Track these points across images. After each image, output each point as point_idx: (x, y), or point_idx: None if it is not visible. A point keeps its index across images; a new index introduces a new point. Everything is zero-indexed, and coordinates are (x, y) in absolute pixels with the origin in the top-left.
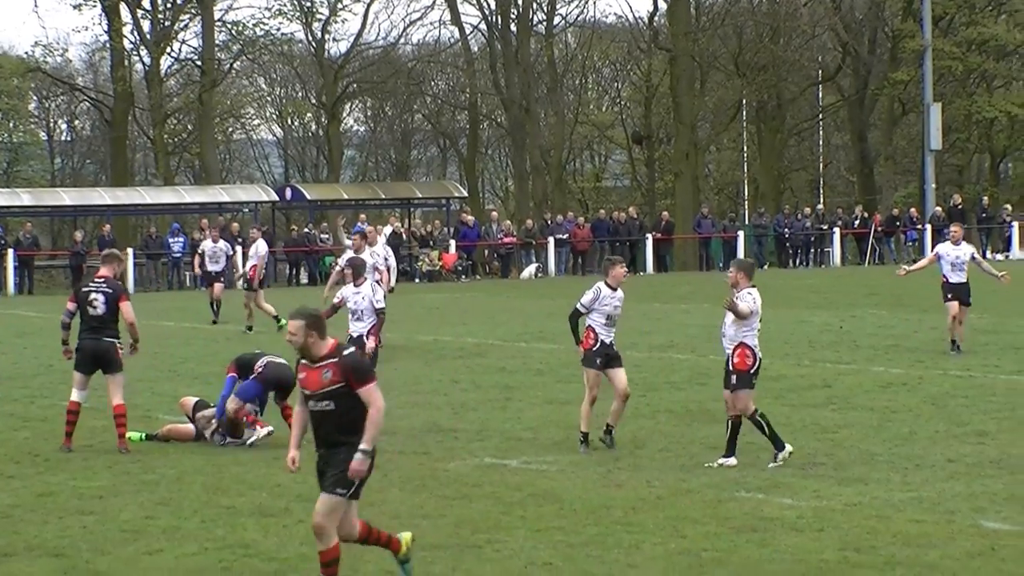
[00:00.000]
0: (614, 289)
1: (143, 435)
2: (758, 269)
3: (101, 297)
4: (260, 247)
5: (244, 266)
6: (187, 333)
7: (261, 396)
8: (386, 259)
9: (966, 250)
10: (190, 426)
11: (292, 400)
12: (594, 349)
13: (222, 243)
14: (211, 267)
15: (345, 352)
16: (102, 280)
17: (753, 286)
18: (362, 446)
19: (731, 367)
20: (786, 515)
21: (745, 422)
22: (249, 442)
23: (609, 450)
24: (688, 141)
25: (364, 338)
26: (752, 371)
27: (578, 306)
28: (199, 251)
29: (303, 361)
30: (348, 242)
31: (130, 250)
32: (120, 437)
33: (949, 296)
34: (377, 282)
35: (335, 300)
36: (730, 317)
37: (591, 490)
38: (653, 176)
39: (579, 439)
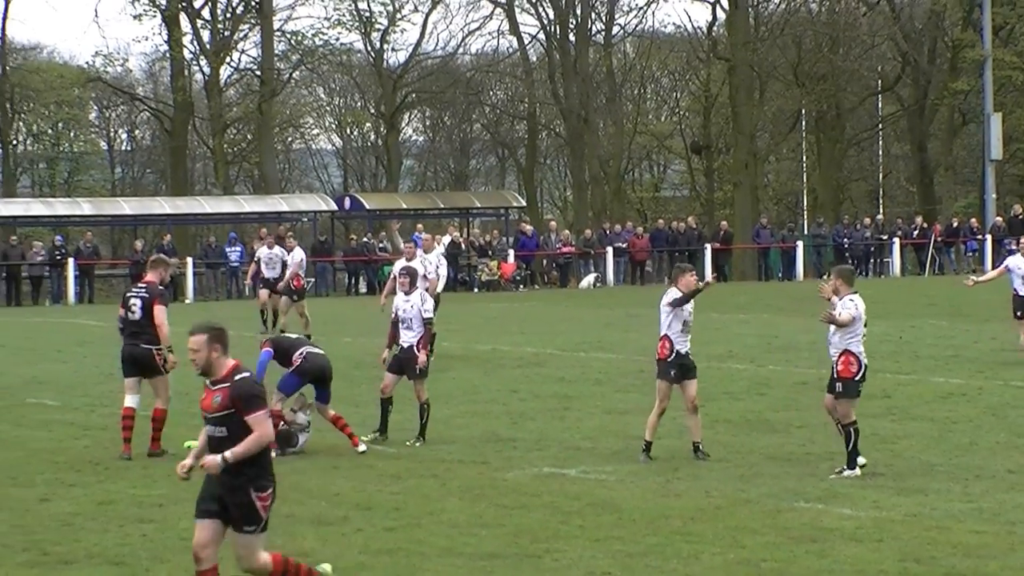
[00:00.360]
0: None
1: None
2: (818, 279)
3: (139, 302)
4: (295, 255)
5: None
6: (247, 342)
7: (300, 388)
8: (437, 267)
9: None
10: None
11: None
12: (669, 360)
13: (277, 249)
14: (267, 273)
15: (237, 377)
16: (143, 286)
17: (855, 292)
18: (227, 453)
19: (836, 374)
20: (845, 525)
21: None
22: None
23: (666, 461)
24: (747, 151)
25: (415, 349)
26: (857, 378)
27: (672, 297)
28: (255, 258)
29: (207, 381)
30: (404, 247)
31: (189, 259)
32: (153, 441)
33: (1019, 313)
34: (426, 290)
35: (391, 314)
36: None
37: (650, 500)
38: (712, 186)
39: (642, 447)
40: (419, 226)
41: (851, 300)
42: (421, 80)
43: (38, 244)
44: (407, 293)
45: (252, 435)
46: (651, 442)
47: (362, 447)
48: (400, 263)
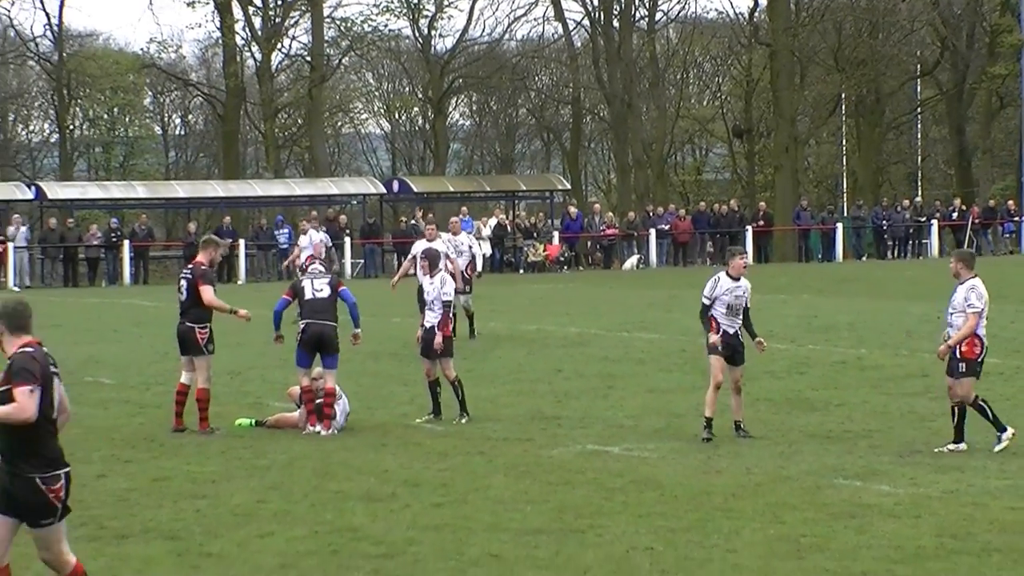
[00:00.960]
0: (735, 279)
1: (253, 421)
2: (857, 260)
3: (184, 283)
4: (313, 236)
5: (302, 257)
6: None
7: (310, 359)
8: (470, 247)
9: None
10: (295, 415)
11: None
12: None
13: (322, 233)
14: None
15: (14, 351)
16: (191, 267)
17: (975, 275)
18: None
19: (959, 355)
20: (883, 502)
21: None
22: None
23: (711, 440)
24: (788, 135)
25: (435, 329)
26: (979, 359)
27: (703, 299)
28: (298, 244)
29: None
30: (426, 228)
31: (242, 241)
32: (200, 421)
33: None
34: (449, 272)
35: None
36: (957, 305)
37: (691, 477)
38: (753, 169)
39: (703, 424)
40: (464, 208)
41: (972, 289)
42: (468, 66)
43: (94, 227)
44: (430, 276)
45: (7, 405)
46: (711, 418)
47: (319, 429)
48: (421, 244)
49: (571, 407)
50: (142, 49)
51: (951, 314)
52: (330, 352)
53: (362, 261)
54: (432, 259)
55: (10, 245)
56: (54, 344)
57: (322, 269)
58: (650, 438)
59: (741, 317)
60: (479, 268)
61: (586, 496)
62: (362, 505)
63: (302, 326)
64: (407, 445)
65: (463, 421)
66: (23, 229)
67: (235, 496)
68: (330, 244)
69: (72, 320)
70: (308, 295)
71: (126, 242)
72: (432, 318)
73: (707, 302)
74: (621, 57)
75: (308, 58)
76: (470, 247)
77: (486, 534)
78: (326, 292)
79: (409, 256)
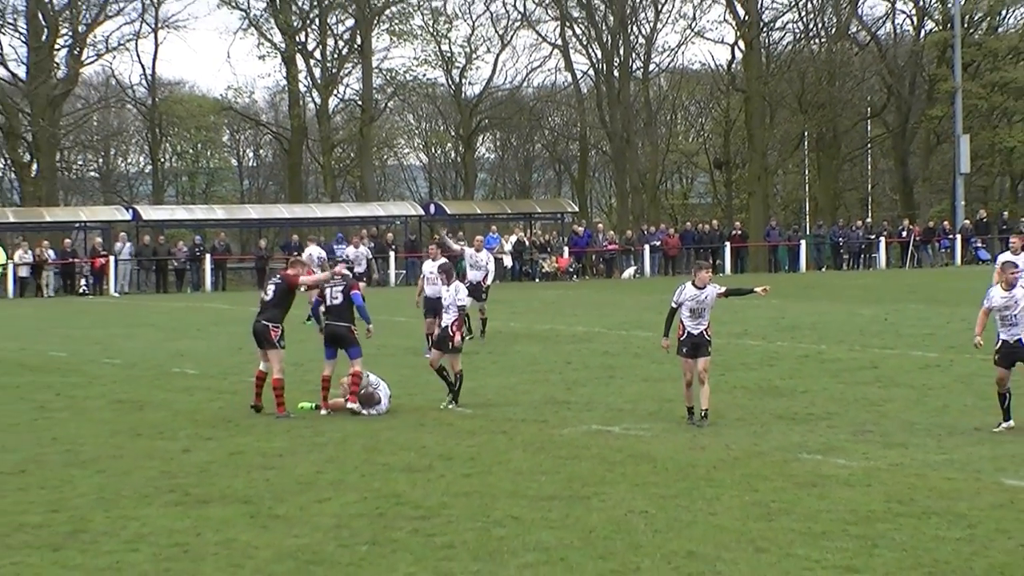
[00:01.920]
0: (699, 288)
1: (313, 405)
2: (818, 270)
3: (273, 287)
4: (313, 252)
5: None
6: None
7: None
8: (487, 263)
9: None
10: (342, 400)
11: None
12: (681, 339)
13: (363, 248)
14: (356, 269)
15: None
16: (281, 278)
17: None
18: None
19: None
20: (840, 473)
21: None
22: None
23: (694, 423)
24: (760, 166)
25: (450, 329)
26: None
27: (671, 303)
28: (343, 257)
29: None
30: (457, 247)
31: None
32: (278, 406)
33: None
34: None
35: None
36: (1020, 300)
37: (679, 452)
38: (731, 194)
39: (686, 415)
40: (493, 228)
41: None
42: (492, 108)
43: (181, 243)
44: (447, 285)
45: None
46: (690, 407)
47: (352, 406)
48: (428, 264)
49: (578, 393)
50: (221, 94)
51: (1014, 309)
52: (346, 346)
53: (404, 271)
54: (447, 272)
55: (111, 258)
56: (148, 341)
57: (340, 278)
58: (645, 419)
59: (705, 319)
60: (489, 281)
61: (591, 468)
62: (404, 475)
63: (325, 326)
64: (442, 425)
65: (451, 407)
66: (127, 245)
67: (298, 467)
68: (324, 256)
69: (162, 320)
70: (328, 301)
71: (207, 255)
72: (448, 319)
73: (674, 306)
74: (620, 101)
75: (359, 102)
76: (487, 263)
77: (508, 499)
78: (340, 299)
79: (421, 276)
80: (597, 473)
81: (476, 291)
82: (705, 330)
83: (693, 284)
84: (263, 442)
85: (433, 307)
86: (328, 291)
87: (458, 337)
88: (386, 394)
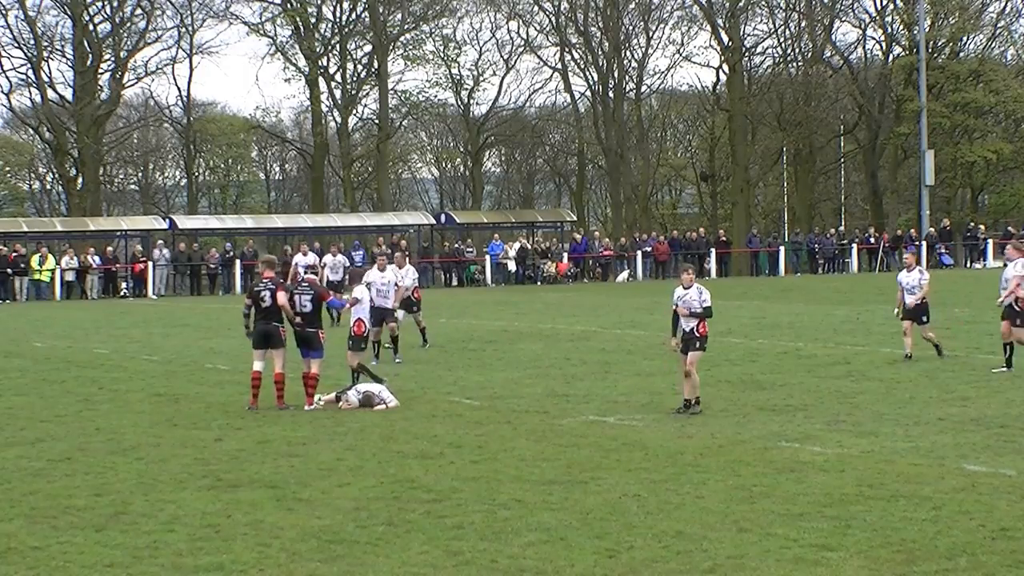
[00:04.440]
0: (686, 288)
1: (319, 399)
2: (795, 275)
3: (268, 293)
4: (299, 259)
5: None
6: None
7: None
8: (402, 279)
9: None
10: (332, 396)
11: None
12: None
13: (340, 256)
14: (331, 276)
15: None
16: (268, 280)
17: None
18: None
19: (1019, 306)
20: (816, 459)
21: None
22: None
23: (681, 413)
24: (742, 179)
25: (350, 331)
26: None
27: (672, 306)
28: (321, 263)
29: None
30: (378, 258)
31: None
32: (278, 398)
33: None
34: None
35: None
36: (1011, 271)
37: (669, 440)
38: (716, 205)
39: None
40: (496, 236)
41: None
42: (498, 126)
43: (213, 249)
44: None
45: None
46: (686, 399)
47: (309, 407)
48: (377, 273)
49: (577, 387)
50: (250, 114)
51: (1006, 276)
52: (312, 349)
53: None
54: (353, 276)
55: (150, 264)
56: (184, 339)
57: (307, 286)
58: (638, 411)
59: (696, 316)
60: (408, 289)
61: (588, 455)
62: (417, 462)
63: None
64: (452, 416)
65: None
66: (165, 251)
67: (320, 455)
68: (307, 265)
69: (196, 321)
70: (297, 307)
71: (237, 261)
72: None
73: (673, 307)
74: (615, 119)
75: (376, 121)
76: (396, 281)
77: (512, 484)
78: (309, 307)
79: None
80: (594, 460)
81: (407, 304)
82: (696, 327)
83: (682, 286)
84: (289, 432)
85: (381, 316)
86: (298, 299)
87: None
88: (389, 398)
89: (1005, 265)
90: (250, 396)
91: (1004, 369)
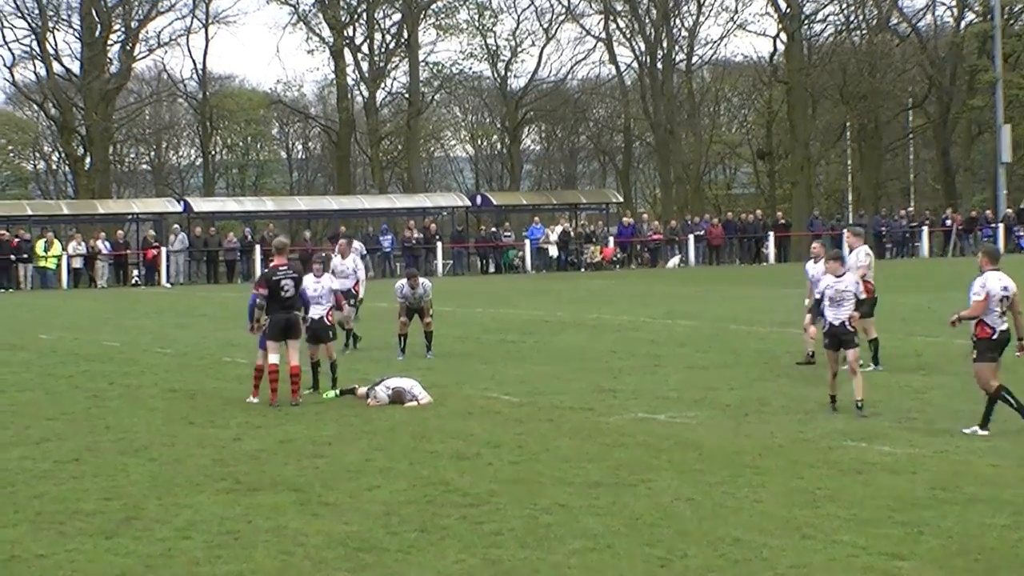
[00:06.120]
0: (837, 277)
1: (339, 391)
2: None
3: (291, 283)
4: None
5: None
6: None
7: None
8: (355, 270)
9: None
10: (363, 390)
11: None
12: (823, 331)
13: (351, 258)
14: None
15: None
16: (290, 270)
17: (996, 269)
18: None
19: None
20: (885, 460)
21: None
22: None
23: (737, 408)
24: (802, 156)
25: (324, 320)
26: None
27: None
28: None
29: None
30: (338, 245)
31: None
32: (294, 392)
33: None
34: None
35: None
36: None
37: (725, 439)
38: (774, 185)
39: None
40: (536, 219)
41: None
42: (537, 100)
43: (231, 234)
44: (318, 277)
45: None
46: (833, 396)
47: (297, 400)
48: (337, 259)
49: (624, 381)
50: (271, 88)
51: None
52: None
53: (451, 261)
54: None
55: (163, 250)
56: (199, 331)
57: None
58: (690, 407)
59: (846, 308)
60: (362, 291)
61: (637, 455)
62: (453, 463)
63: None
64: (489, 414)
65: (332, 394)
66: (180, 236)
67: (347, 455)
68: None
69: (213, 311)
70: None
71: (257, 247)
72: (320, 311)
73: (818, 296)
74: (664, 93)
75: (406, 95)
76: (355, 270)
77: (555, 487)
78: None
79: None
80: (643, 460)
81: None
82: (847, 321)
83: (813, 260)
84: (313, 430)
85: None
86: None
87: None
88: (421, 394)
89: None
90: (270, 392)
91: None
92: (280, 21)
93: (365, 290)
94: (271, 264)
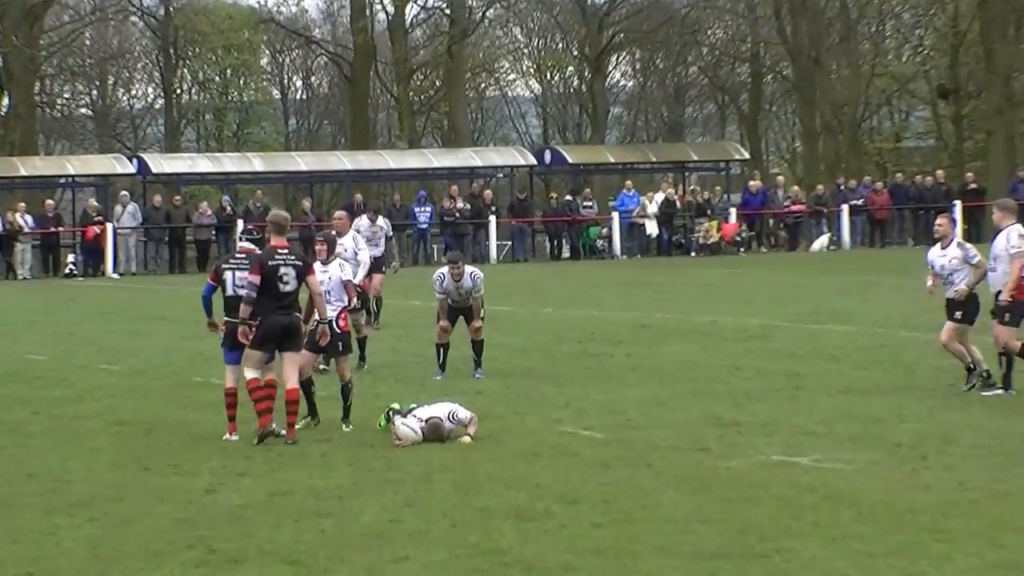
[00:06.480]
0: (943, 248)
1: (385, 417)
2: None
3: (293, 271)
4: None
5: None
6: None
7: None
8: (355, 253)
9: None
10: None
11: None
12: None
13: (348, 236)
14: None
15: None
16: (291, 254)
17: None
18: None
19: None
20: None
21: None
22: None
23: (912, 448)
24: (1002, 95)
25: (335, 324)
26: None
27: None
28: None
29: None
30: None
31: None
32: (290, 426)
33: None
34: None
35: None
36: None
37: (894, 492)
38: (961, 135)
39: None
40: (628, 183)
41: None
42: (630, 18)
43: (204, 205)
44: (325, 264)
45: None
46: (969, 366)
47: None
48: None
49: (752, 411)
50: (259, 2)
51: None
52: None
53: (509, 243)
54: (330, 243)
55: (109, 227)
56: (160, 340)
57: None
58: (845, 447)
59: (956, 282)
60: (359, 278)
61: (771, 515)
62: (511, 524)
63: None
64: (563, 455)
65: (346, 429)
66: (132, 207)
67: (364, 514)
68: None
69: (178, 312)
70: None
71: (239, 221)
72: (331, 313)
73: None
74: (807, 7)
75: (447, 11)
76: (355, 252)
77: (655, 558)
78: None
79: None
80: (780, 522)
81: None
82: (960, 294)
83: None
84: (317, 478)
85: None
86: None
87: (350, 327)
88: (465, 415)
89: None
90: (257, 418)
91: None
92: None
93: (379, 285)
94: (268, 246)
